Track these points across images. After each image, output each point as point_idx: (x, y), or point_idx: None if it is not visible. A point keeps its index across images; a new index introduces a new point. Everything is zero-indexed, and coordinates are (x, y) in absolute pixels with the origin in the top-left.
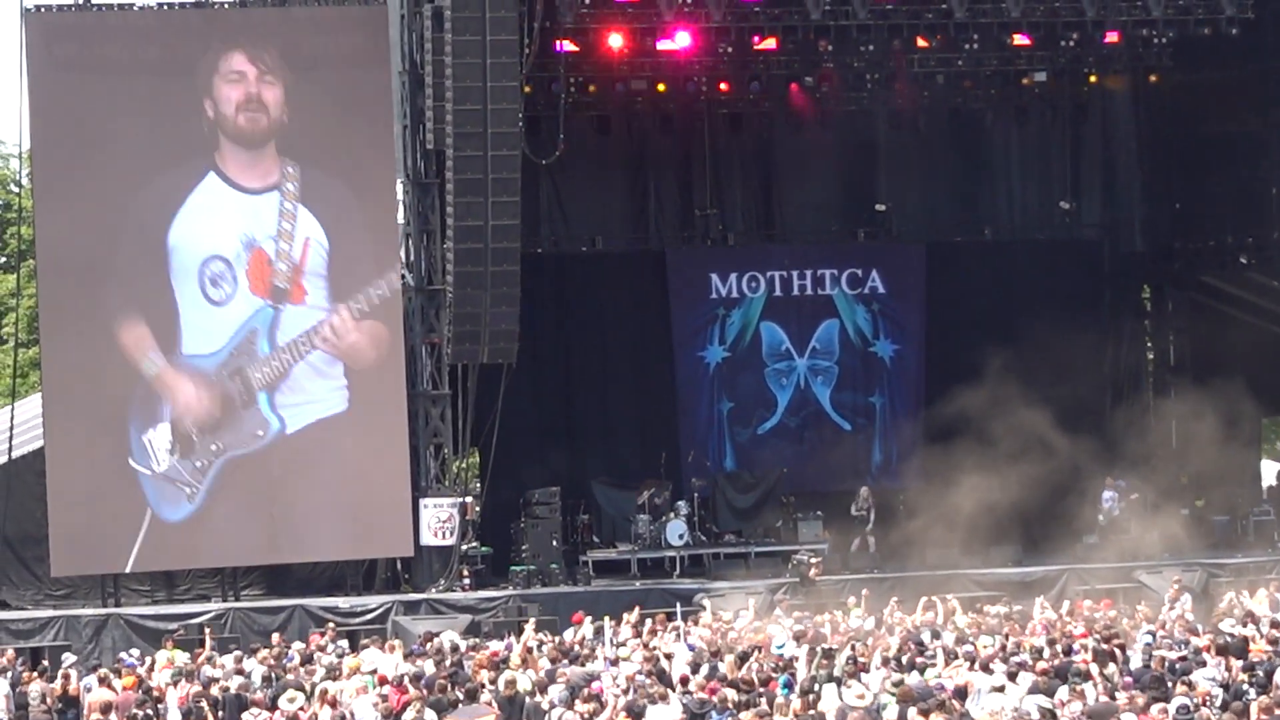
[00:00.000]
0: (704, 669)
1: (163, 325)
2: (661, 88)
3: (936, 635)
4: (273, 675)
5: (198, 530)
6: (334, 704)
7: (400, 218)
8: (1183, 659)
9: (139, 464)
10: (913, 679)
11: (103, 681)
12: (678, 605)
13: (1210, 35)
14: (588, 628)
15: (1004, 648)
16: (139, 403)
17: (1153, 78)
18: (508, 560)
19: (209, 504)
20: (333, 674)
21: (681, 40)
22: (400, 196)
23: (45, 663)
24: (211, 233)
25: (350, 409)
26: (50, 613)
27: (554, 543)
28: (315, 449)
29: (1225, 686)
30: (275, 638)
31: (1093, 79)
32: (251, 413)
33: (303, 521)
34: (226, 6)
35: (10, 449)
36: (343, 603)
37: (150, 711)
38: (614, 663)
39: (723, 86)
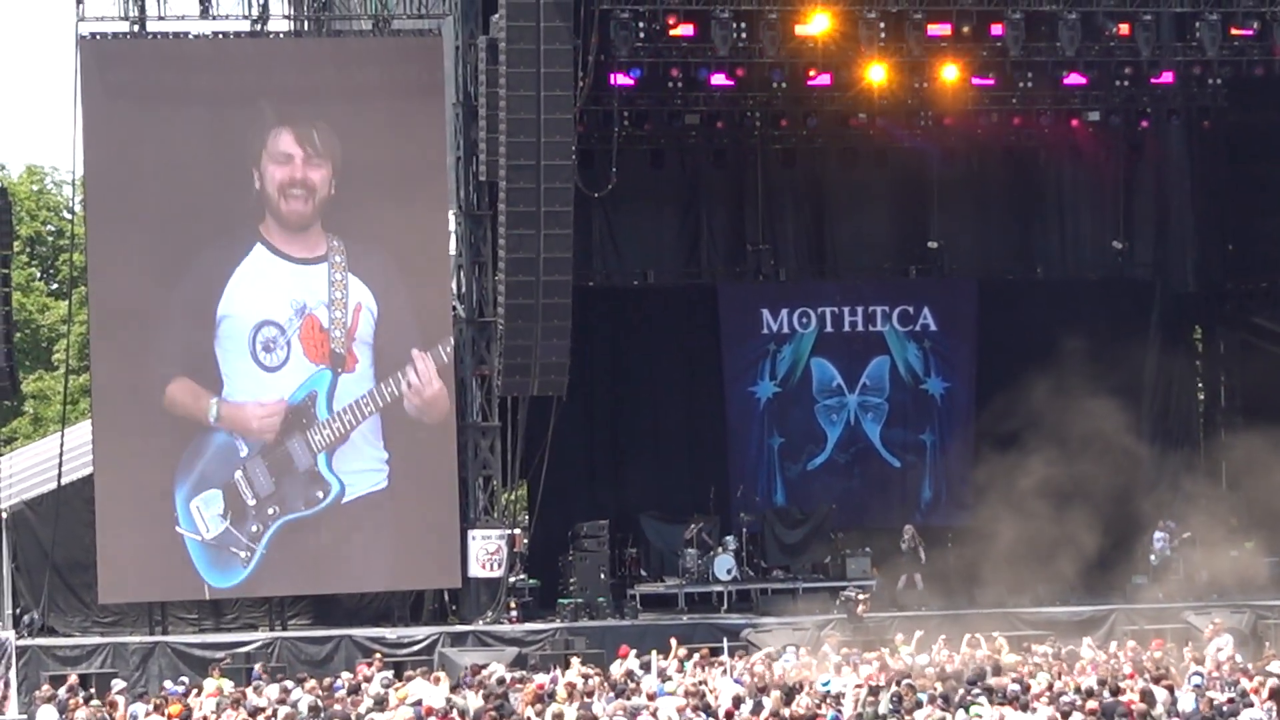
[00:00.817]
0: (749, 704)
1: (212, 386)
2: (719, 127)
3: (998, 672)
4: (320, 705)
5: (254, 589)
6: None
7: (452, 249)
8: (1230, 701)
9: (186, 530)
10: (959, 718)
11: (157, 709)
12: (724, 640)
13: (1264, 76)
14: (633, 661)
15: (1050, 687)
16: (185, 469)
17: (1205, 124)
18: (555, 593)
19: (264, 567)
20: (380, 705)
21: (735, 75)
22: (452, 228)
23: (92, 690)
24: (262, 299)
25: (390, 485)
26: (97, 640)
27: (602, 576)
28: (367, 514)
29: None
30: (258, 667)
31: (1145, 127)
32: (311, 474)
33: (351, 552)
34: (281, 36)
35: (60, 475)
36: (390, 633)
37: None
38: (658, 697)
39: (783, 123)
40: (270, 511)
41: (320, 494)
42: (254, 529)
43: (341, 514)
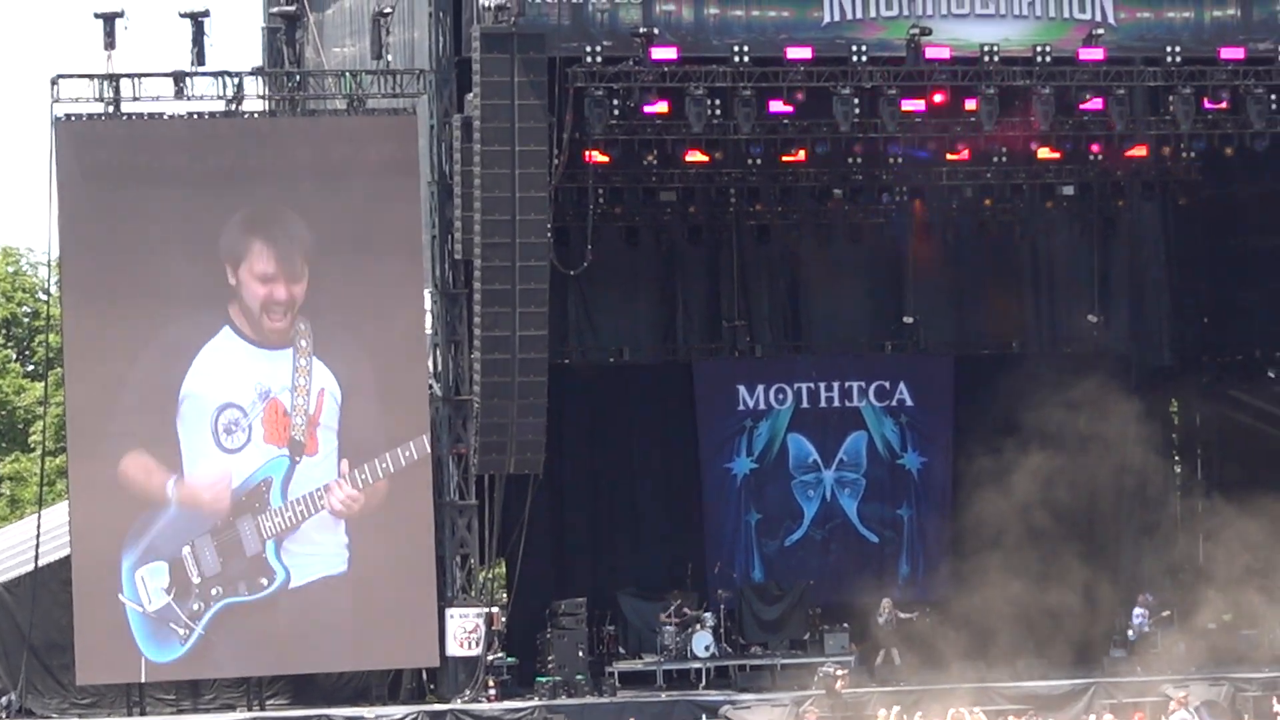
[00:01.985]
0: None
1: (171, 463)
2: (692, 209)
3: None
4: None
5: (192, 668)
6: None
7: (428, 328)
8: None
9: (129, 600)
10: None
11: None
12: (703, 717)
13: (1237, 151)
14: None
15: None
16: (134, 537)
17: (1182, 200)
18: (533, 671)
19: (201, 646)
20: None
21: (710, 152)
22: (428, 306)
23: None
24: (226, 382)
25: (350, 570)
26: None
27: (580, 653)
28: (324, 597)
29: None
30: None
31: (1120, 204)
32: (257, 560)
33: (310, 634)
34: (256, 116)
35: (37, 557)
36: (368, 713)
37: None
38: None
39: (759, 206)
40: (213, 592)
41: (264, 581)
42: (195, 607)
43: (294, 598)
